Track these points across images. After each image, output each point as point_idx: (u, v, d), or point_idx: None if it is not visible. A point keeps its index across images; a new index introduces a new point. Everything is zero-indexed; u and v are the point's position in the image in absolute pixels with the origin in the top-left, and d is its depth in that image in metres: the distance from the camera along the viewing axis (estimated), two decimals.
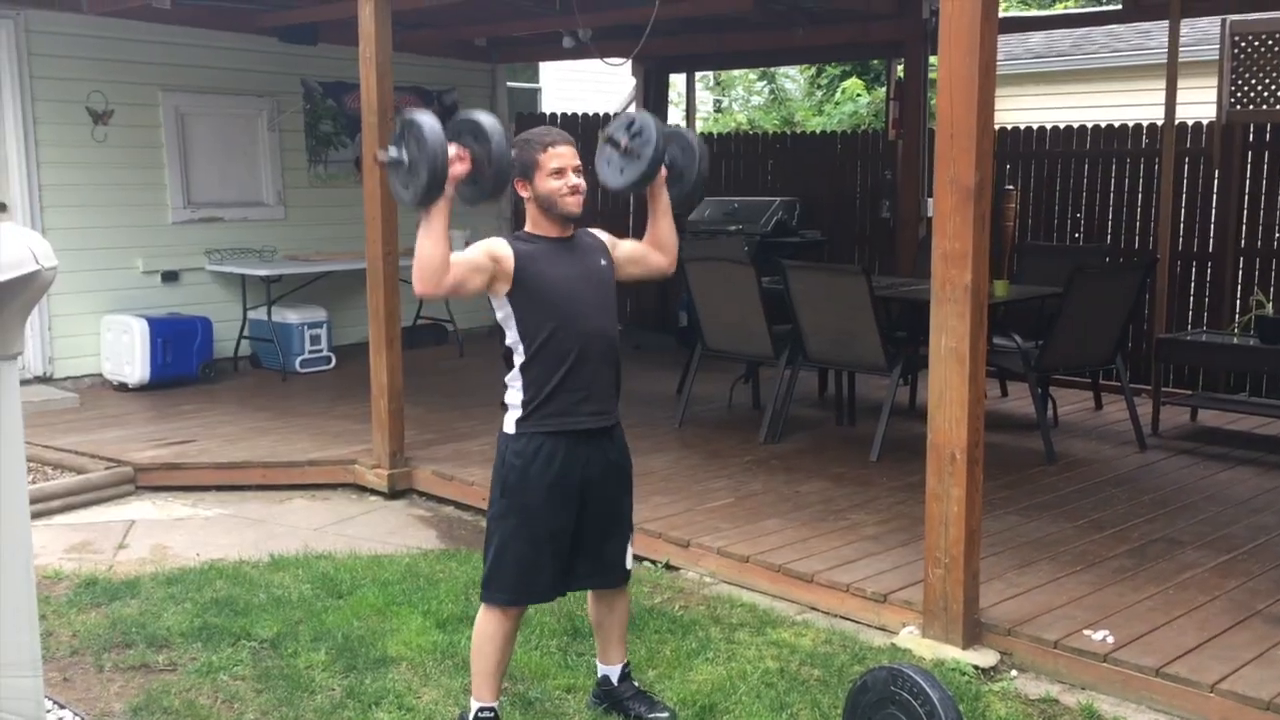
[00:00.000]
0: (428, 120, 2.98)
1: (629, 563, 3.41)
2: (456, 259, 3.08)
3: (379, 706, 3.50)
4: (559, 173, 3.17)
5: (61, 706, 3.47)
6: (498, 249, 3.17)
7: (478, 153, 3.04)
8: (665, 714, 3.43)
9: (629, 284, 3.51)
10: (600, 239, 3.37)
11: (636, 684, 3.54)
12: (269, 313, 8.50)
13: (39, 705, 2.61)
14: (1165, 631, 3.85)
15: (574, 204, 3.20)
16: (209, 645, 3.95)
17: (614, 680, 3.49)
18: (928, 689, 2.86)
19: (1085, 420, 7.04)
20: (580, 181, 3.21)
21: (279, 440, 6.62)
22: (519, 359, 3.21)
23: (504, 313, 3.22)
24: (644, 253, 3.44)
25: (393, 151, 3.04)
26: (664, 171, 3.37)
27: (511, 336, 3.22)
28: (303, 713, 3.47)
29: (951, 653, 3.85)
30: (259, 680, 3.69)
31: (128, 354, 7.93)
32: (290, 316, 8.59)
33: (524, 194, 3.23)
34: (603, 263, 3.30)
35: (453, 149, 2.99)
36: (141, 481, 6.06)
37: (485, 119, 3.06)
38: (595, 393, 3.22)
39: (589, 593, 3.48)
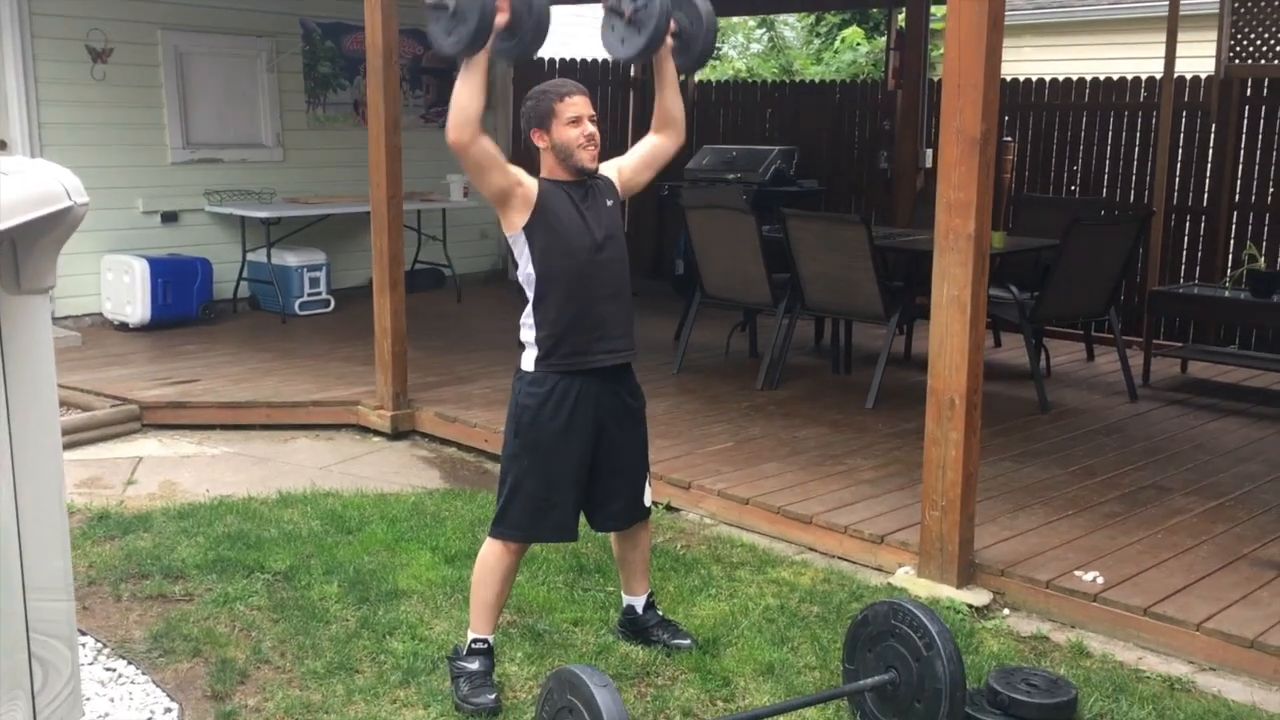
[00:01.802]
0: None
1: (649, 499, 3.51)
2: (494, 146, 3.15)
3: (393, 636, 3.61)
4: (575, 121, 3.22)
5: (83, 634, 3.56)
6: (525, 177, 3.23)
7: (517, 4, 3.07)
8: (687, 640, 3.55)
9: (642, 189, 3.55)
10: (607, 176, 3.41)
11: (660, 613, 3.66)
12: (268, 255, 8.52)
13: (72, 628, 2.70)
14: (1154, 573, 3.97)
15: (590, 157, 3.25)
16: (224, 577, 4.05)
17: (639, 610, 3.61)
18: (927, 622, 2.97)
19: (1078, 371, 7.15)
20: (595, 131, 3.26)
21: (281, 381, 6.69)
22: (531, 294, 3.27)
23: (519, 247, 3.28)
24: (650, 150, 3.48)
25: None
26: (670, 41, 3.39)
27: (525, 271, 3.27)
28: (319, 641, 3.58)
29: (946, 591, 3.97)
30: (274, 610, 3.79)
31: (128, 294, 7.96)
32: (289, 259, 8.62)
33: (540, 144, 3.28)
34: (609, 204, 3.36)
35: None
36: (147, 420, 6.13)
37: None
38: (610, 330, 3.30)
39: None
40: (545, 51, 12.53)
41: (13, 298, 2.50)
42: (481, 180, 3.21)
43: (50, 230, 2.55)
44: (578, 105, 3.23)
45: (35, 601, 2.61)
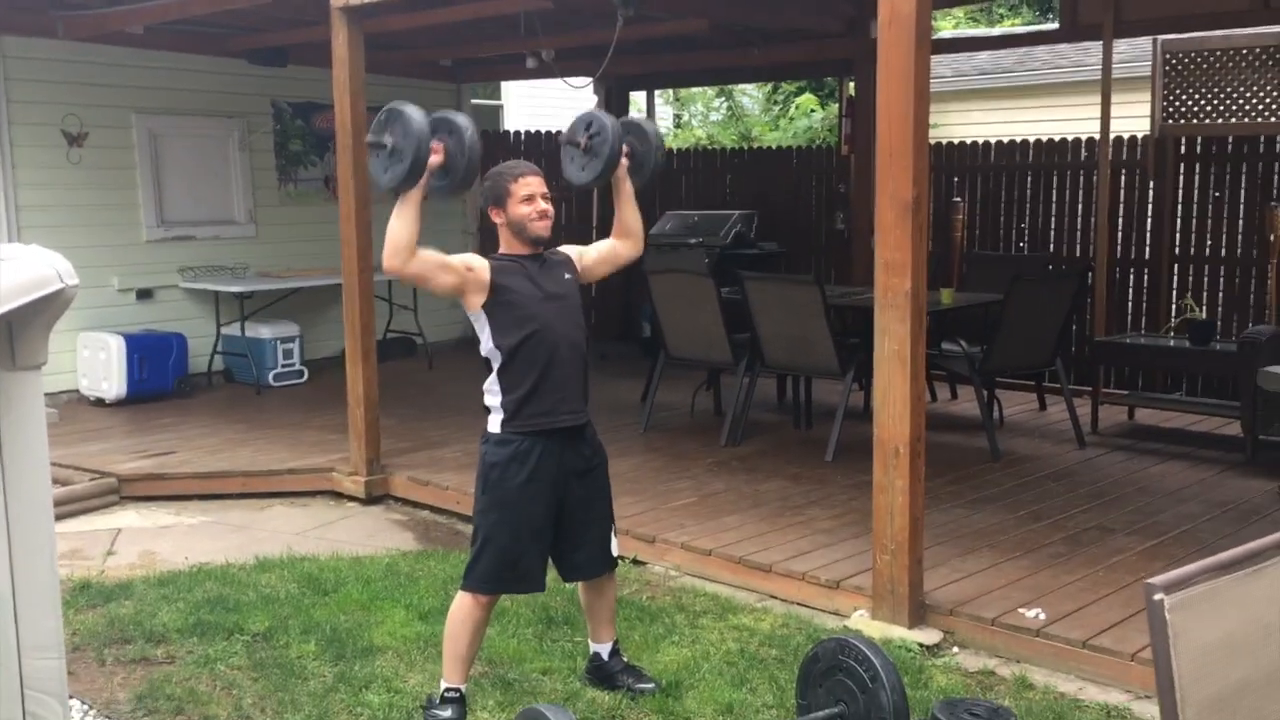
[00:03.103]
0: (414, 112, 3.30)
1: (615, 550, 3.71)
2: (431, 254, 3.39)
3: (369, 689, 3.76)
4: (529, 199, 3.48)
5: (70, 696, 3.69)
6: (474, 261, 3.47)
7: (451, 148, 3.34)
8: (651, 684, 3.74)
9: (602, 279, 3.83)
10: (566, 254, 3.67)
11: (625, 659, 3.83)
12: (242, 328, 8.71)
13: (63, 685, 2.86)
14: (1093, 608, 4.18)
15: (543, 228, 3.50)
16: (204, 639, 4.19)
17: (604, 656, 3.80)
18: (871, 656, 3.17)
19: (1029, 420, 7.41)
20: (548, 206, 3.51)
21: (257, 450, 6.85)
22: (495, 365, 3.50)
23: (480, 324, 3.51)
24: (610, 250, 3.76)
25: (385, 137, 3.33)
26: (625, 162, 3.68)
27: (487, 346, 3.51)
28: (298, 696, 3.73)
29: (899, 632, 4.16)
30: (254, 669, 3.94)
31: (104, 370, 8.13)
32: (263, 331, 8.81)
33: (498, 220, 3.53)
34: (567, 276, 3.61)
35: (431, 141, 3.30)
36: (125, 492, 6.27)
37: (460, 118, 3.41)
38: (569, 395, 3.51)
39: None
40: (509, 123, 12.80)
41: (9, 374, 2.70)
42: (429, 287, 3.50)
43: (44, 311, 2.76)
44: (531, 185, 3.48)
45: (29, 660, 2.77)
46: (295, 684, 3.82)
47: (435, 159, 3.34)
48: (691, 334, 7.01)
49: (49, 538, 2.81)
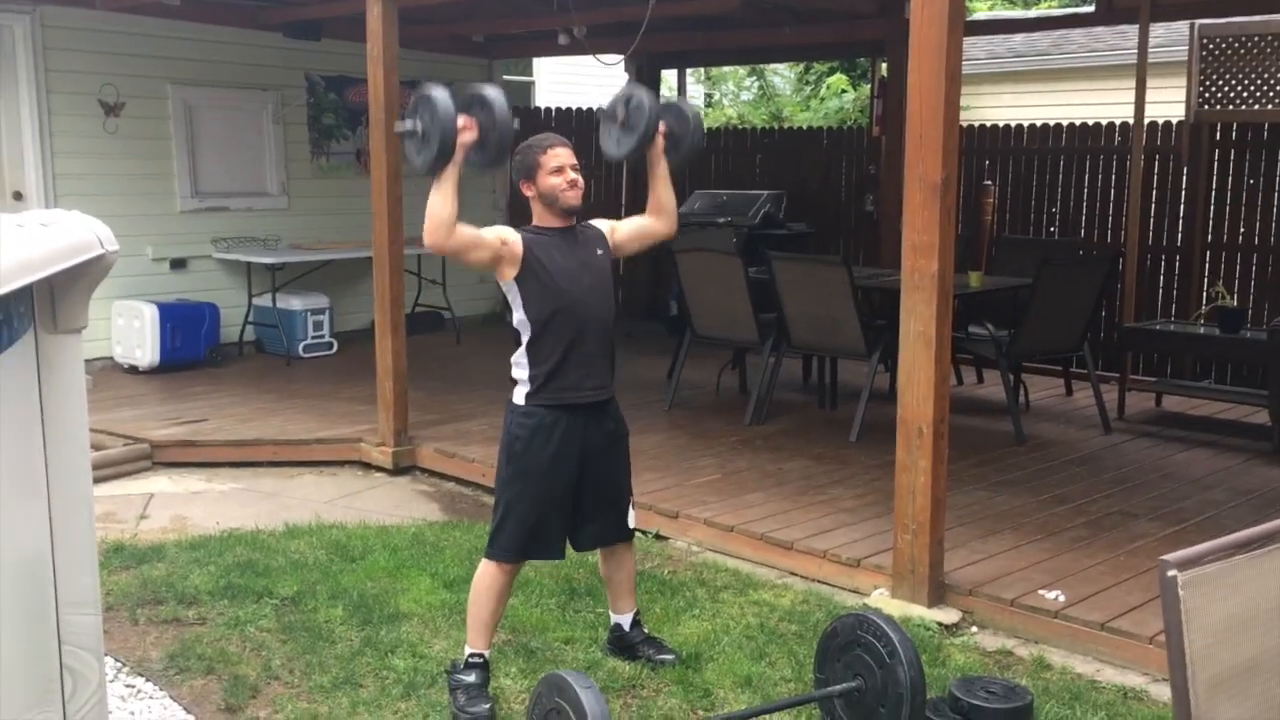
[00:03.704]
0: (440, 94, 3.35)
1: (632, 521, 3.77)
2: (469, 229, 3.43)
3: (394, 654, 3.84)
4: (558, 170, 3.51)
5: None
6: (508, 234, 3.52)
7: (484, 122, 3.39)
8: (671, 655, 3.79)
9: (636, 255, 3.92)
10: (599, 229, 3.70)
11: (645, 630, 3.89)
12: (273, 299, 8.80)
13: (99, 640, 2.94)
14: (1113, 592, 4.20)
15: (574, 197, 3.54)
16: (234, 602, 4.28)
17: (625, 627, 3.86)
18: (889, 632, 3.20)
19: (1055, 405, 7.40)
20: (578, 177, 3.55)
21: (287, 420, 6.94)
22: (525, 337, 3.55)
23: (512, 295, 3.56)
24: (643, 226, 3.79)
25: (408, 123, 3.40)
26: (661, 140, 3.71)
27: (519, 317, 3.56)
28: (325, 659, 3.81)
29: (918, 611, 4.20)
30: (283, 632, 4.03)
31: (138, 338, 8.24)
32: (294, 303, 8.90)
33: (528, 193, 3.57)
34: (599, 252, 3.64)
35: (461, 119, 3.35)
36: (158, 458, 6.38)
37: (491, 92, 3.44)
38: (595, 369, 3.56)
39: (599, 550, 3.82)
40: (540, 100, 12.84)
41: (51, 337, 2.77)
42: (468, 263, 3.54)
43: (85, 276, 2.82)
44: (560, 156, 3.52)
45: (66, 615, 2.85)
46: (323, 647, 3.90)
47: (469, 136, 3.37)
48: (718, 313, 7.03)
49: (87, 497, 2.89)
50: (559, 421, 3.53)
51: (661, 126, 3.70)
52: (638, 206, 3.86)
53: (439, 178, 3.38)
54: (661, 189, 3.76)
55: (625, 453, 3.74)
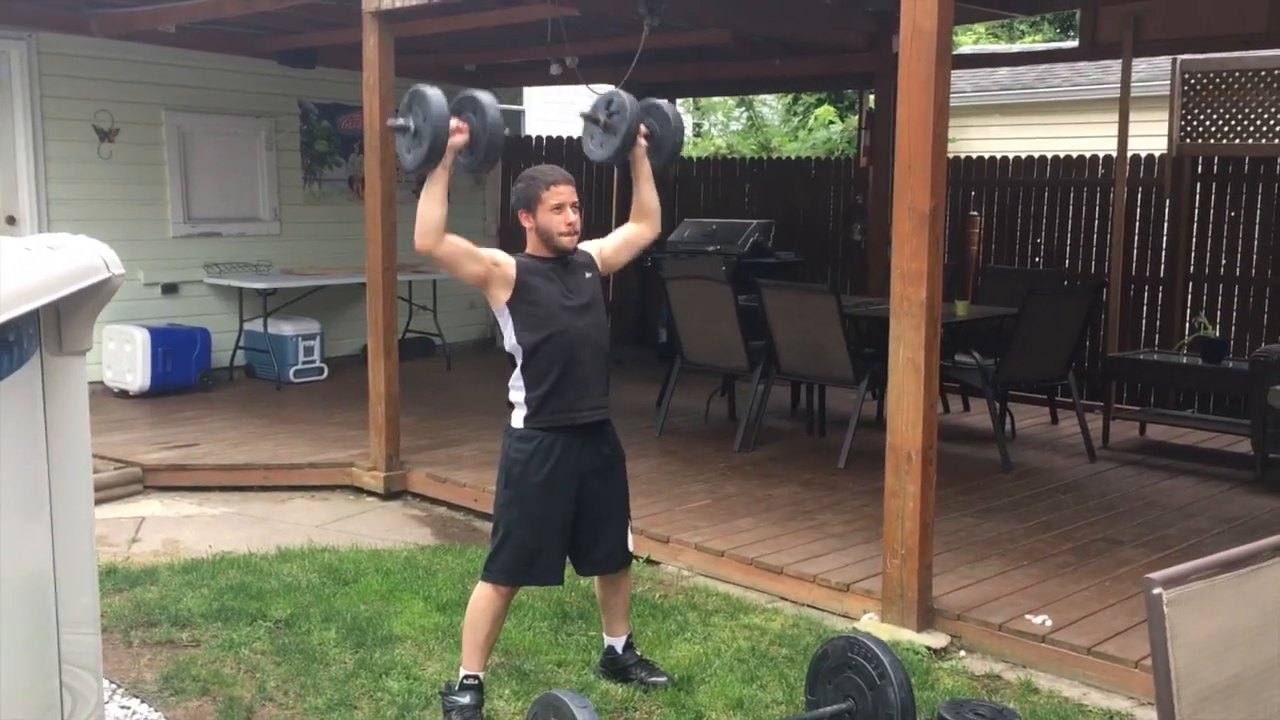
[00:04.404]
0: (433, 93, 3.40)
1: (630, 546, 3.81)
2: (461, 241, 3.50)
3: (388, 675, 3.86)
4: (559, 209, 3.57)
5: None
6: (500, 257, 3.58)
7: (475, 126, 3.45)
8: (663, 678, 3.83)
9: (620, 272, 3.93)
10: (587, 252, 3.76)
11: (638, 653, 3.93)
12: (265, 324, 8.84)
13: (98, 660, 2.97)
14: (1099, 616, 4.26)
15: (569, 242, 3.61)
16: (228, 624, 4.30)
17: (619, 650, 3.89)
18: (880, 654, 3.25)
19: (1041, 433, 7.47)
20: (576, 219, 3.61)
21: (278, 444, 6.96)
22: (519, 360, 3.60)
23: (504, 320, 3.61)
24: (629, 235, 3.85)
25: (401, 120, 3.46)
26: (643, 142, 3.78)
27: (511, 342, 3.61)
28: (319, 681, 3.83)
29: (907, 635, 4.24)
30: (277, 654, 4.05)
31: (129, 362, 8.26)
32: (285, 328, 8.93)
33: (527, 224, 3.63)
34: (588, 276, 3.71)
35: (453, 121, 3.41)
36: (149, 482, 6.39)
37: (484, 97, 3.50)
38: (591, 390, 3.61)
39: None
40: (530, 128, 12.92)
41: (56, 359, 2.81)
42: (457, 274, 3.59)
43: (91, 299, 2.87)
44: (562, 194, 3.57)
45: (67, 634, 2.87)
46: (317, 669, 3.92)
47: (459, 138, 3.43)
48: (708, 340, 7.10)
49: (88, 517, 2.92)
50: (556, 444, 3.58)
51: (643, 128, 3.78)
52: (628, 215, 3.91)
53: (429, 179, 3.44)
54: (645, 190, 3.83)
55: (623, 476, 3.78)
